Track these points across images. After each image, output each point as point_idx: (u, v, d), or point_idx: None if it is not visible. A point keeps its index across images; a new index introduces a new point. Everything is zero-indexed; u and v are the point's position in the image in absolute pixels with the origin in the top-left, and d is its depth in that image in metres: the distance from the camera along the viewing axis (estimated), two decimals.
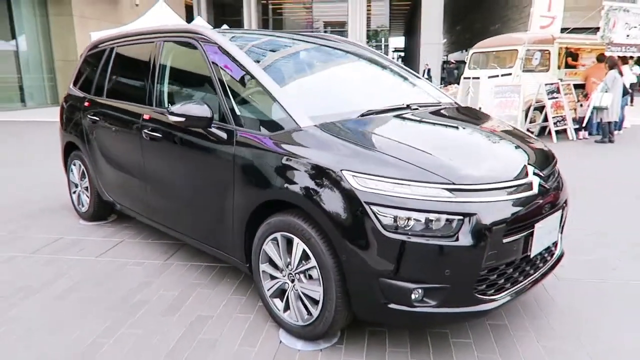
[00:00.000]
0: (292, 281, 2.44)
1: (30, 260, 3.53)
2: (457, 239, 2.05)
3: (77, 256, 3.59)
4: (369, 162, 2.18)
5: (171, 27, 3.33)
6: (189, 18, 24.25)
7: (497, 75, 9.86)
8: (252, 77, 2.67)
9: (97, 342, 2.48)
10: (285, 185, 2.35)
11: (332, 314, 2.26)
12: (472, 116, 3.25)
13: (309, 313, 2.39)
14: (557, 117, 9.26)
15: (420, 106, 3.04)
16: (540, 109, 9.41)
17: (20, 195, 5.30)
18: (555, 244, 2.65)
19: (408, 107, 2.95)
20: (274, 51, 3.03)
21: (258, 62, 2.83)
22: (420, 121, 2.85)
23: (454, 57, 40.77)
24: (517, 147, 2.68)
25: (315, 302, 2.34)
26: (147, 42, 3.53)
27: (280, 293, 2.54)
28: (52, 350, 2.42)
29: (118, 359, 2.34)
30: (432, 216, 2.06)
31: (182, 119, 2.67)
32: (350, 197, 2.12)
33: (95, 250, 3.69)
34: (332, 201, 2.16)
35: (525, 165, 2.40)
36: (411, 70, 3.66)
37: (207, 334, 2.55)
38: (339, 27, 33.91)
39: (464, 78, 10.39)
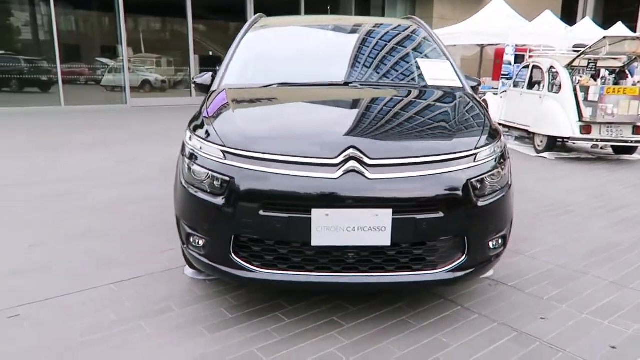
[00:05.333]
0: None
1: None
2: (216, 198, 2.20)
3: None
4: (199, 123, 2.56)
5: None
6: (569, 13, 22.61)
7: None
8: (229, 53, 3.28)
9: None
10: None
11: (182, 250, 2.72)
12: (408, 98, 2.90)
13: None
14: None
15: (364, 85, 2.99)
16: None
17: None
18: (408, 253, 2.20)
19: (346, 84, 2.91)
20: (279, 32, 3.49)
21: (247, 43, 3.37)
22: (301, 95, 2.92)
23: None
24: (370, 130, 2.41)
25: None
26: None
27: None
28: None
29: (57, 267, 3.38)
30: (206, 173, 2.27)
31: (194, 85, 3.52)
32: (183, 149, 2.54)
33: None
34: (181, 151, 2.63)
35: (348, 148, 2.14)
36: (445, 51, 3.26)
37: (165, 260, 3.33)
38: None
39: None
